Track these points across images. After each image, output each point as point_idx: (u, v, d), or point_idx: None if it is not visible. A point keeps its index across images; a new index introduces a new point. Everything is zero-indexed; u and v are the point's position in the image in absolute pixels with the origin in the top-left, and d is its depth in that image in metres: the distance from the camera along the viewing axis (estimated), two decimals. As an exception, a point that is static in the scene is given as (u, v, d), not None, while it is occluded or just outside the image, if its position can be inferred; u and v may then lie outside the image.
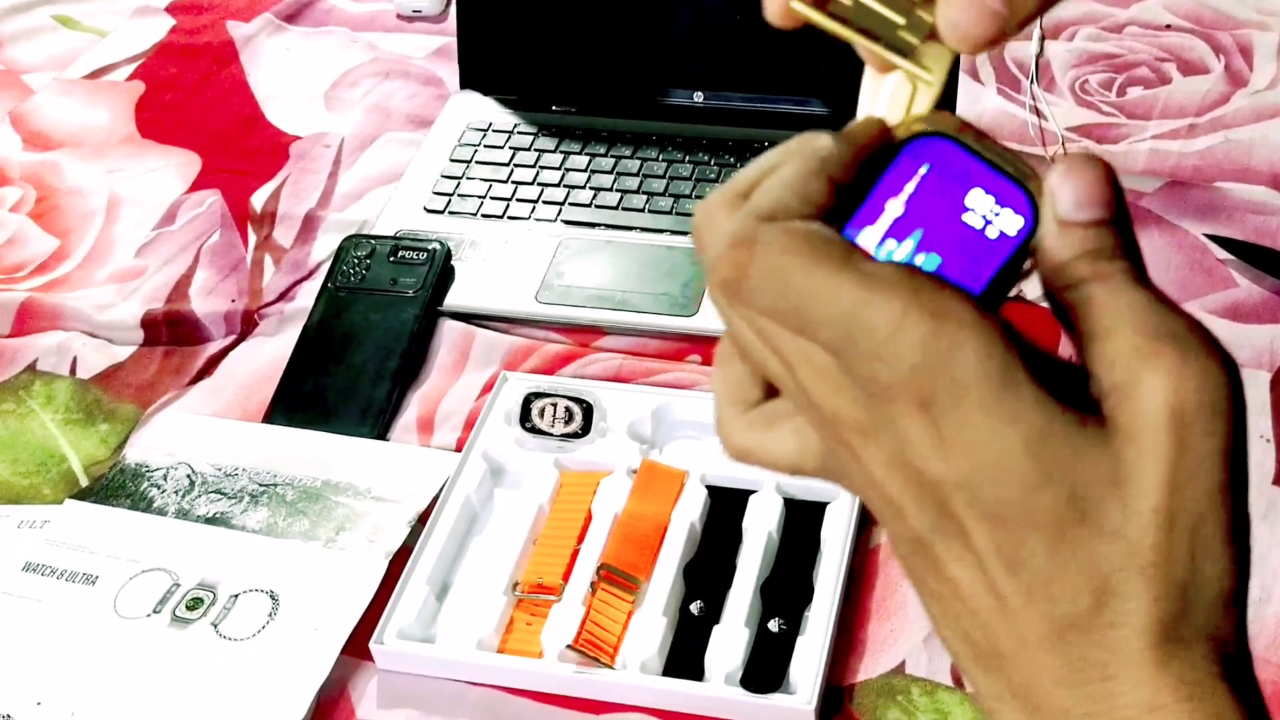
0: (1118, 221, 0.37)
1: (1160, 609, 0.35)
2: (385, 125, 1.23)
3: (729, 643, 0.80)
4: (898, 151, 0.38)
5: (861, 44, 0.40)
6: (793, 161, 0.38)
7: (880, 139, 0.39)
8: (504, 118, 1.19)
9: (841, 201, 0.38)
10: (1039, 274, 0.38)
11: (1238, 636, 0.36)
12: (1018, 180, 0.38)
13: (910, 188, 0.38)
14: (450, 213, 1.12)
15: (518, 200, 1.12)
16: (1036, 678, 0.36)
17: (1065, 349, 0.38)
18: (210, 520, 0.91)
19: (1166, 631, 0.35)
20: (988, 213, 0.37)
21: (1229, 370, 0.35)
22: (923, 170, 0.38)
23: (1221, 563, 0.35)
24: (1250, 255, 1.02)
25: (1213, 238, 1.04)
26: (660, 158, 1.13)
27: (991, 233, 0.37)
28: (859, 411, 0.36)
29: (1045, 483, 0.35)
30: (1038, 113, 1.17)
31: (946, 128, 0.38)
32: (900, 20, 0.39)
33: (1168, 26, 1.25)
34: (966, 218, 0.38)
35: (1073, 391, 0.36)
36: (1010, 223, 0.37)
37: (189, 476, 0.94)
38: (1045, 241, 0.37)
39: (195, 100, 1.28)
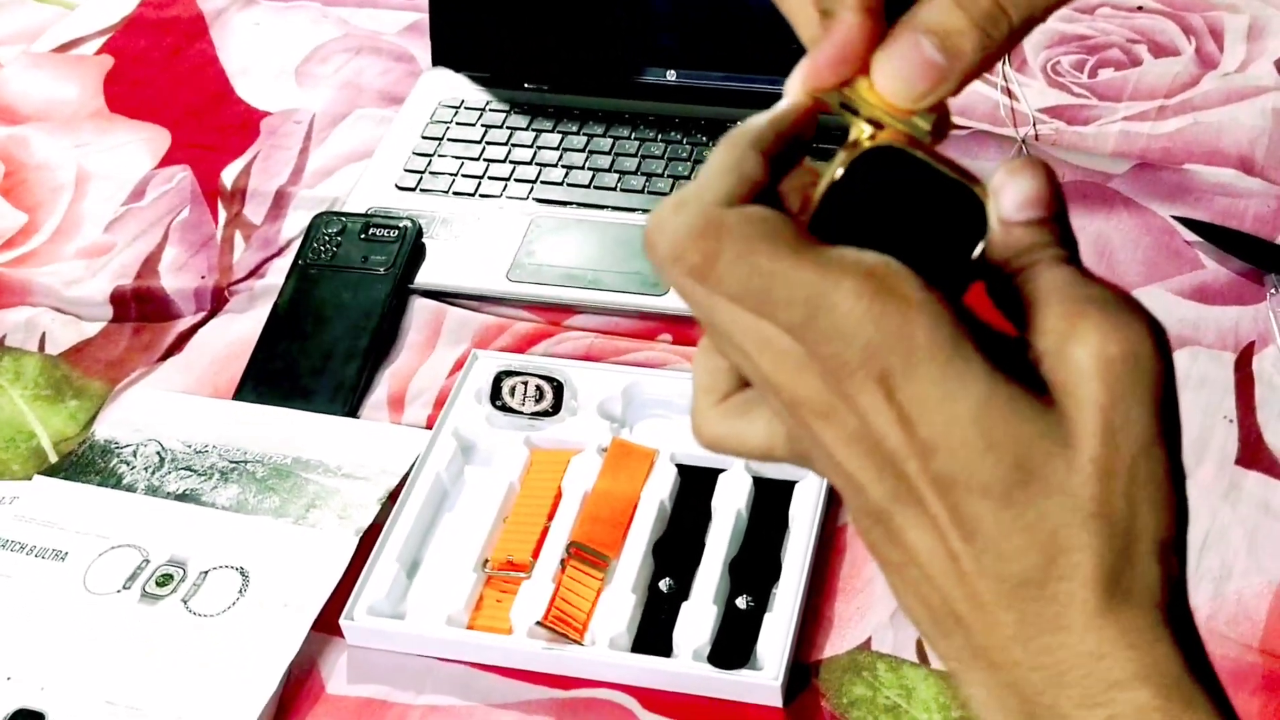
0: (1058, 218, 0.40)
1: (1104, 559, 0.37)
2: (357, 101, 1.22)
3: (697, 620, 0.80)
4: (851, 162, 0.40)
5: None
6: (721, 148, 0.40)
7: (811, 113, 0.41)
8: (476, 95, 1.18)
9: (775, 174, 0.40)
10: (986, 271, 0.40)
11: (1177, 584, 0.38)
12: (966, 186, 0.40)
13: (863, 196, 0.40)
14: (422, 190, 1.11)
15: (489, 178, 1.11)
16: (993, 636, 0.38)
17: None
18: (180, 497, 0.91)
19: (1110, 581, 0.37)
20: (939, 219, 0.39)
21: (1153, 327, 0.37)
22: (875, 179, 0.40)
23: (1159, 510, 0.37)
24: (1218, 237, 1.03)
25: (1181, 220, 1.05)
26: (633, 136, 1.13)
27: (943, 238, 0.39)
28: (818, 393, 0.38)
29: (990, 449, 0.37)
30: (1009, 94, 1.18)
31: (896, 141, 0.40)
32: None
33: (1139, 8, 1.25)
34: (919, 224, 0.39)
35: (1023, 367, 0.38)
36: (960, 228, 0.39)
37: (159, 453, 0.93)
38: (990, 239, 0.40)
39: (165, 75, 1.27)
